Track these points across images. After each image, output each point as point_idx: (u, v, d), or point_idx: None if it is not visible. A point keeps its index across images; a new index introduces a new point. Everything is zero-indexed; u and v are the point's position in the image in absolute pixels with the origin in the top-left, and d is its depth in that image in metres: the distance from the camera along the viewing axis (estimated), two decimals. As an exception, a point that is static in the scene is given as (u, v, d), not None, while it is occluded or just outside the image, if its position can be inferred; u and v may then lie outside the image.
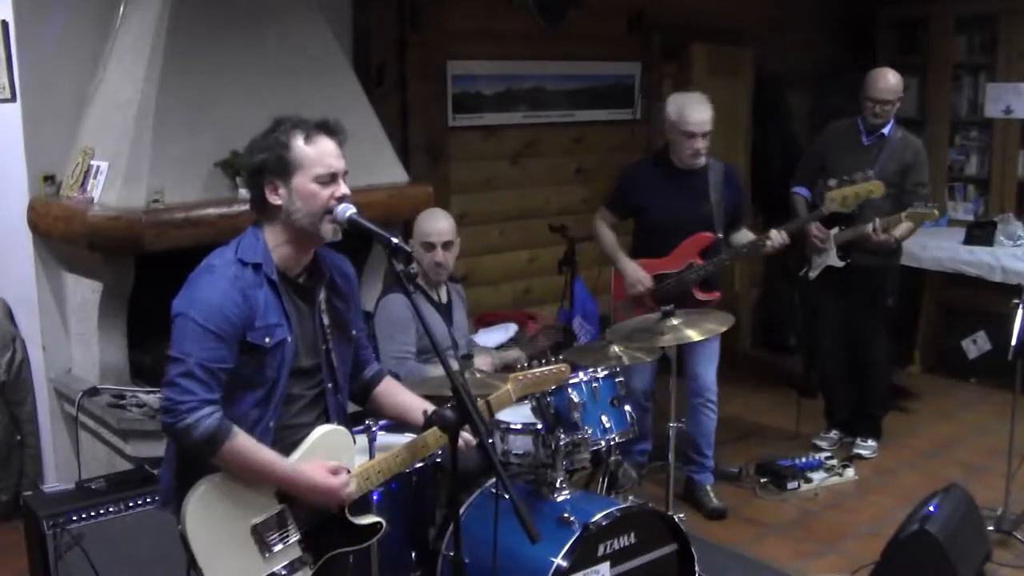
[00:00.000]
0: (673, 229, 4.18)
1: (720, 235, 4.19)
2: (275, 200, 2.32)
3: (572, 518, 2.96)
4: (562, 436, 3.14)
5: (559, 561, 2.84)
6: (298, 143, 2.31)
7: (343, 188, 2.34)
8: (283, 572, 2.35)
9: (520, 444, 3.23)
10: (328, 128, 2.36)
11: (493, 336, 4.83)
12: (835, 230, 4.73)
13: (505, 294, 5.68)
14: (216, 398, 2.22)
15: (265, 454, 2.28)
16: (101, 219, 3.71)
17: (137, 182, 3.78)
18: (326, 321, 2.43)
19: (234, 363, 2.25)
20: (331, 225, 2.33)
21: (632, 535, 3.04)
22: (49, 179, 4.10)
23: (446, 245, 3.63)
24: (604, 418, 3.28)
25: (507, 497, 2.20)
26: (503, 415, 3.37)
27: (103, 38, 4.13)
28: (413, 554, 3.12)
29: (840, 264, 4.73)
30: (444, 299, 3.71)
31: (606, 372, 3.34)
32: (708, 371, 4.34)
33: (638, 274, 4.21)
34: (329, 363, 2.45)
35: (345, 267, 2.56)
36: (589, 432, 3.20)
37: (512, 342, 4.84)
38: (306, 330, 2.40)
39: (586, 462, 3.36)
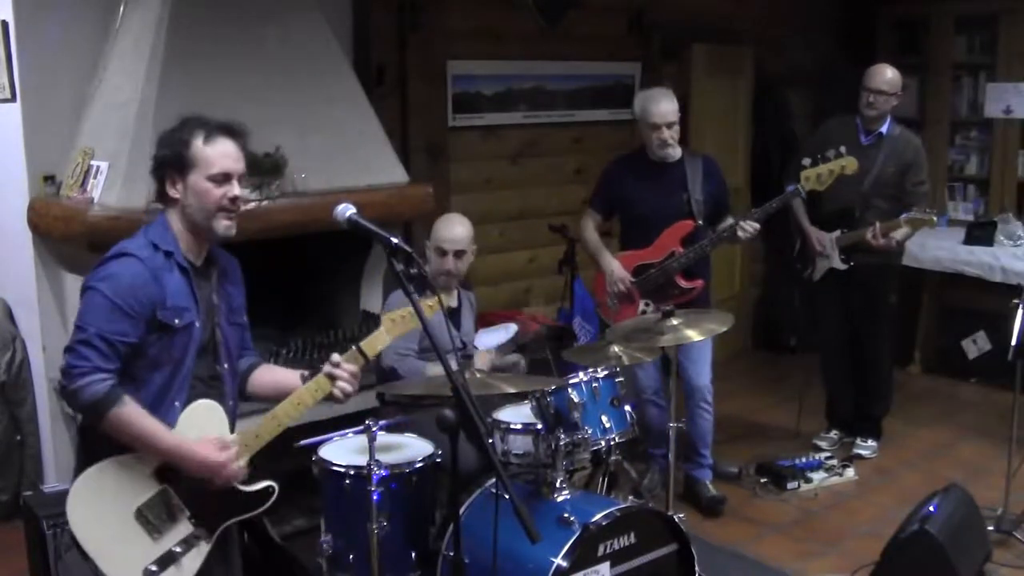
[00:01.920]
0: (654, 221, 4.24)
1: (701, 223, 4.23)
2: (173, 193, 2.46)
3: (572, 518, 2.95)
4: (562, 436, 3.14)
5: (559, 561, 2.84)
6: (197, 143, 2.43)
7: (235, 189, 2.46)
8: (178, 549, 2.40)
9: (520, 444, 3.23)
10: (230, 130, 2.48)
11: (493, 336, 4.83)
12: (836, 233, 4.73)
13: (505, 294, 5.68)
14: (111, 368, 2.33)
15: (152, 423, 2.35)
16: (101, 219, 3.71)
17: (137, 182, 3.77)
18: (216, 301, 2.54)
19: (138, 339, 2.35)
20: (225, 221, 2.45)
21: (632, 535, 3.03)
22: (49, 179, 4.10)
23: (458, 254, 3.63)
24: (604, 418, 3.27)
25: (507, 497, 2.20)
26: (503, 415, 3.39)
27: (103, 38, 4.13)
28: (413, 554, 3.12)
29: (843, 267, 4.74)
30: (454, 303, 3.71)
31: (606, 372, 3.34)
32: (702, 372, 4.36)
33: (619, 273, 4.27)
34: (222, 342, 2.54)
35: (231, 263, 2.67)
36: (589, 432, 3.20)
37: (511, 343, 4.84)
38: (206, 311, 2.51)
39: (586, 462, 3.36)
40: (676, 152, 4.27)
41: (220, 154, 2.44)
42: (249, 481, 2.51)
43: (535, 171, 5.71)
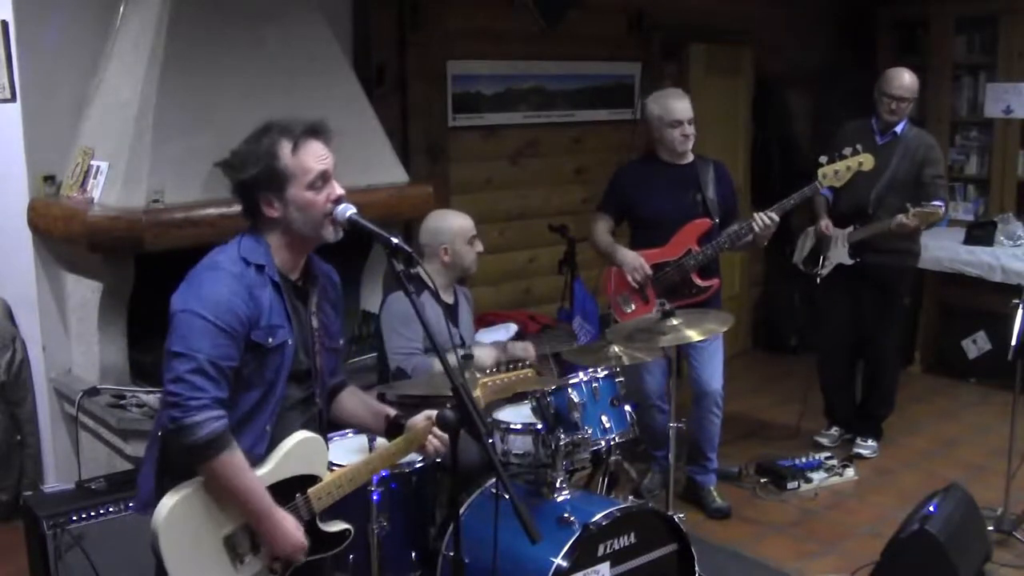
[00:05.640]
0: (668, 220, 4.22)
1: (716, 221, 4.22)
2: (272, 213, 2.29)
3: (572, 518, 2.96)
4: (562, 436, 3.14)
5: (559, 561, 2.84)
6: (286, 152, 2.26)
7: (337, 189, 2.32)
8: None
9: (520, 444, 3.23)
10: (316, 131, 2.32)
11: (493, 336, 4.83)
12: (849, 229, 4.75)
13: (505, 294, 5.68)
14: (225, 397, 2.18)
15: (252, 478, 2.24)
16: (101, 219, 3.71)
17: (137, 182, 3.78)
18: (315, 324, 2.41)
19: (239, 363, 2.21)
20: (332, 227, 2.31)
21: (632, 535, 3.04)
22: (49, 179, 4.10)
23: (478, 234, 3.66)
24: (604, 418, 3.28)
25: (507, 497, 2.20)
26: (503, 415, 3.39)
27: (103, 38, 4.13)
28: (413, 554, 3.12)
29: (850, 262, 4.76)
30: (451, 300, 3.71)
31: (606, 372, 3.34)
32: (714, 376, 4.33)
33: (638, 261, 4.21)
34: (317, 367, 2.42)
35: (333, 276, 2.54)
36: (589, 432, 3.20)
37: (518, 335, 4.84)
38: (303, 333, 2.38)
39: (586, 462, 3.36)
40: (689, 155, 4.27)
41: (312, 157, 2.28)
42: (328, 520, 2.44)
43: (535, 171, 5.70)
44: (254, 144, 2.29)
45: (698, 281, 4.23)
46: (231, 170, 2.32)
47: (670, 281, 4.21)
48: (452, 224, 3.61)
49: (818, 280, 4.91)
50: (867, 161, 4.24)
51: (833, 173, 4.25)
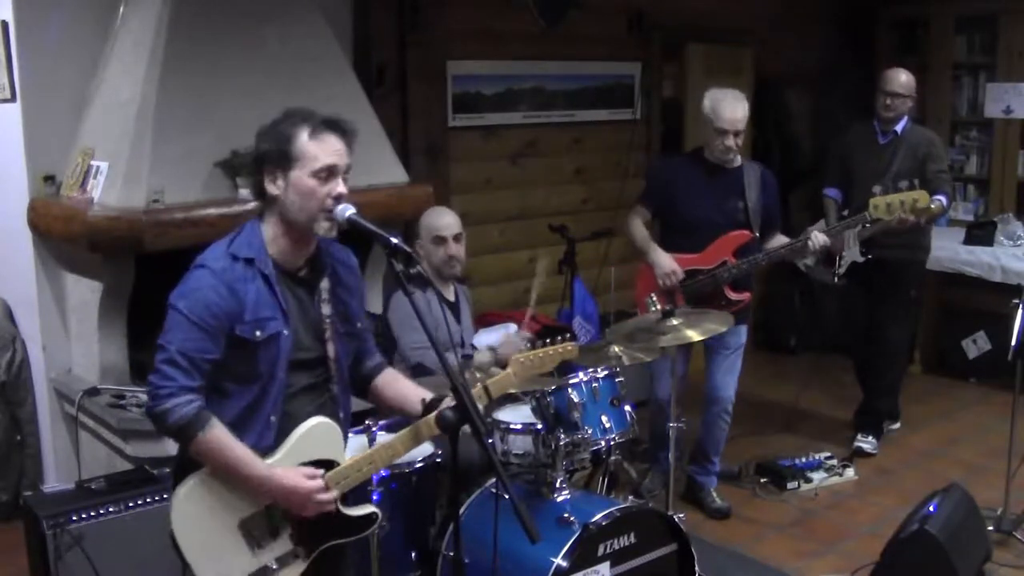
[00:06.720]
0: (705, 225, 4.10)
1: (757, 234, 4.13)
2: (272, 190, 2.32)
3: (572, 518, 2.96)
4: (562, 436, 3.14)
5: (559, 561, 2.84)
6: (302, 137, 2.30)
7: (341, 187, 2.32)
8: (274, 566, 2.34)
9: (520, 444, 3.23)
10: (336, 126, 2.35)
11: (493, 336, 4.82)
12: (858, 227, 4.77)
13: (505, 294, 5.67)
14: (196, 386, 2.24)
15: (240, 451, 2.26)
16: (101, 219, 3.71)
17: (137, 182, 3.78)
18: (326, 312, 2.42)
19: (219, 355, 2.26)
20: (327, 222, 2.32)
21: (632, 535, 3.04)
22: (49, 179, 4.10)
23: (456, 237, 3.61)
24: (604, 418, 3.28)
25: (507, 497, 2.20)
26: (503, 415, 3.39)
27: (103, 38, 4.14)
28: (413, 554, 3.13)
29: (861, 259, 4.79)
30: (452, 298, 3.71)
31: (606, 372, 3.34)
32: (729, 383, 4.32)
33: (672, 266, 4.11)
34: (330, 354, 2.43)
35: (349, 259, 2.54)
36: (589, 432, 3.20)
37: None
38: (308, 322, 2.39)
39: (586, 462, 3.36)
40: (737, 159, 4.15)
41: (326, 149, 2.30)
42: (354, 504, 2.44)
43: (535, 171, 5.70)
44: (279, 123, 2.34)
45: (730, 294, 4.14)
46: (255, 144, 2.38)
47: (701, 290, 4.12)
48: (425, 220, 3.67)
49: (836, 280, 4.93)
50: (922, 198, 4.13)
51: (885, 206, 4.14)
